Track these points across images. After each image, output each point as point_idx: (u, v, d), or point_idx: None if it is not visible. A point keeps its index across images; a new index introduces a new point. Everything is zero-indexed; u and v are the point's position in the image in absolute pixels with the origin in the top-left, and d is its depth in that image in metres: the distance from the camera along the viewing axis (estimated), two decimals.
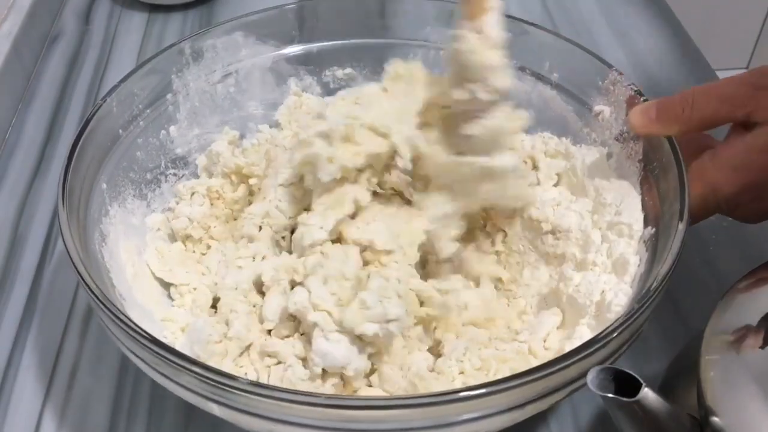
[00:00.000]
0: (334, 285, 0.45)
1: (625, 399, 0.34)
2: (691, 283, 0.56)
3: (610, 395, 0.34)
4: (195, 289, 0.52)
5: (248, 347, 0.47)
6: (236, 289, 0.49)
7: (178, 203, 0.56)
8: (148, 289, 0.51)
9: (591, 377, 0.34)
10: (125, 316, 0.40)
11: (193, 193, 0.56)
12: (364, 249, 0.48)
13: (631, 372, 0.34)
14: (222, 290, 0.49)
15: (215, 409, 0.38)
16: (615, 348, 0.39)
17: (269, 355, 0.46)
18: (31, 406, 0.50)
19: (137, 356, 0.40)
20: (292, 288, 0.47)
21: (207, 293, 0.51)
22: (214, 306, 0.51)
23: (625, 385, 0.34)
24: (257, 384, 0.38)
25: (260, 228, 0.52)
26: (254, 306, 0.49)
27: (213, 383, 0.37)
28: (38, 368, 0.52)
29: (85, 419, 0.49)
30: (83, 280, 0.41)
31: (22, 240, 0.61)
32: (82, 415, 0.49)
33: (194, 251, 0.55)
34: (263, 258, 0.51)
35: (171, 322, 0.49)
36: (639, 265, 0.46)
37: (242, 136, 0.60)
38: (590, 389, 0.34)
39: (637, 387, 0.34)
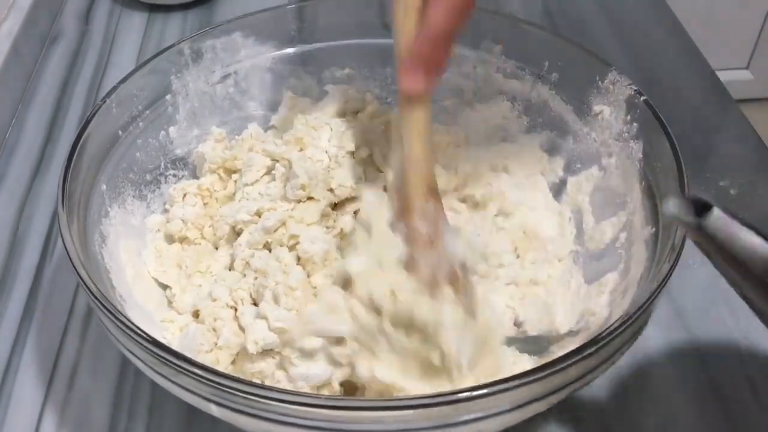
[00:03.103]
0: (286, 300, 0.45)
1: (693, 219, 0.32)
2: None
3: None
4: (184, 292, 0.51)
5: (238, 354, 0.47)
6: (215, 300, 0.48)
7: (172, 206, 0.55)
8: (148, 290, 0.51)
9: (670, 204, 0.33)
10: (125, 317, 0.40)
11: (185, 195, 0.55)
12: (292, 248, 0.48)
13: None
14: (201, 301, 0.49)
15: (214, 410, 0.38)
16: (616, 348, 0.39)
17: (255, 377, 0.46)
18: (31, 406, 0.50)
19: (137, 357, 0.40)
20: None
21: (192, 299, 0.51)
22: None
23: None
24: (257, 385, 0.38)
25: (235, 228, 0.52)
26: (236, 310, 0.48)
27: (212, 384, 0.37)
28: (38, 368, 0.52)
29: (85, 419, 0.49)
30: (83, 281, 0.41)
31: (22, 240, 0.61)
32: (82, 415, 0.49)
33: (191, 253, 0.55)
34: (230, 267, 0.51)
35: (171, 323, 0.49)
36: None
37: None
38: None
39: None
